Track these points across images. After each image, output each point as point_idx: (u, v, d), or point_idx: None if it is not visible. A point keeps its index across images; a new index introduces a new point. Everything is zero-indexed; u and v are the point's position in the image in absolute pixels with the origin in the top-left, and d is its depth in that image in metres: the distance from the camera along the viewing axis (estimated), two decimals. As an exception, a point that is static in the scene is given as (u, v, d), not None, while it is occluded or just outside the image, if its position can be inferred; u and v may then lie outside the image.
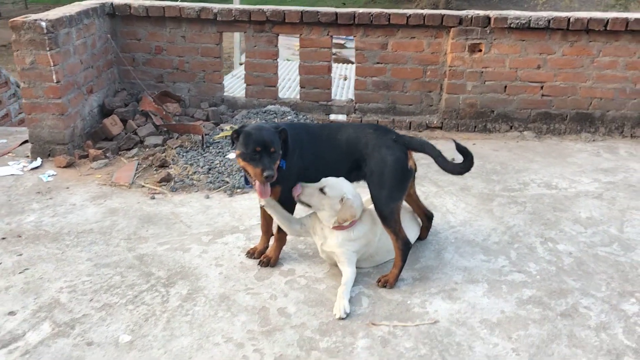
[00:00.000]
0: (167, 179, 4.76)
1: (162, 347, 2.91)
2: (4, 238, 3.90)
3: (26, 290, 3.35)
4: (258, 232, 3.95)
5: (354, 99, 6.28)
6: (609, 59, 5.84)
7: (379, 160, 3.39)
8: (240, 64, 11.55)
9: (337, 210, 3.36)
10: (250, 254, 3.73)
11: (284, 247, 3.71)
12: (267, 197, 3.30)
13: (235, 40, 14.35)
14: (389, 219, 3.39)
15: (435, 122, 6.12)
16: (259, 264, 3.64)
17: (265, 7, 5.92)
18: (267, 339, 2.99)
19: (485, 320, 3.16)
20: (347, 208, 3.34)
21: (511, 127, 6.10)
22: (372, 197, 3.43)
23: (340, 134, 3.51)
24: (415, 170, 3.51)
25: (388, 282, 3.43)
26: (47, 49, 4.85)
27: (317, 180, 3.43)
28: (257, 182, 3.24)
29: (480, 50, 5.88)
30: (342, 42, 16.06)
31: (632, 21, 5.64)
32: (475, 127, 6.11)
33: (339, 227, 3.42)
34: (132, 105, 5.88)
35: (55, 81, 4.95)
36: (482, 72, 5.94)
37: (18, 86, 7.41)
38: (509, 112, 6.05)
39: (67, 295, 3.32)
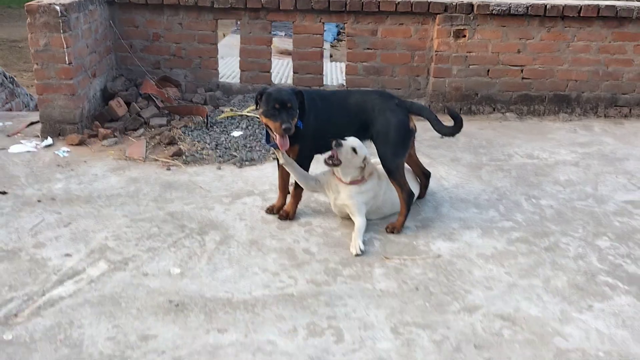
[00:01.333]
0: (178, 153, 5.53)
1: (209, 276, 3.70)
2: (39, 201, 4.63)
3: (74, 239, 4.09)
4: (272, 195, 4.77)
5: (345, 83, 7.14)
6: (583, 44, 6.85)
7: (385, 122, 4.24)
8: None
9: (358, 167, 4.19)
10: (270, 210, 4.53)
11: (299, 205, 4.52)
12: (286, 148, 4.07)
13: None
14: (395, 172, 4.25)
15: (423, 104, 7.02)
16: (278, 217, 4.45)
17: (260, -5, 6.76)
18: (298, 269, 3.81)
19: (481, 254, 4.04)
20: (369, 166, 4.20)
21: (494, 109, 7.04)
22: (379, 154, 4.28)
23: (349, 99, 4.36)
24: (415, 131, 4.38)
25: (395, 228, 4.28)
26: (62, 31, 5.59)
27: (328, 140, 4.26)
28: (277, 136, 4.04)
29: (465, 36, 6.82)
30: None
31: (603, 8, 6.66)
32: (460, 109, 7.03)
33: (353, 182, 4.26)
34: (132, 90, 6.63)
35: (67, 62, 5.69)
36: (467, 56, 6.88)
37: (5, 76, 8.04)
38: (492, 94, 7.00)
39: (114, 242, 4.07)
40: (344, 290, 3.60)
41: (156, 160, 5.48)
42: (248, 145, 5.75)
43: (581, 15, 6.68)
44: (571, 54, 6.89)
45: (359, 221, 4.21)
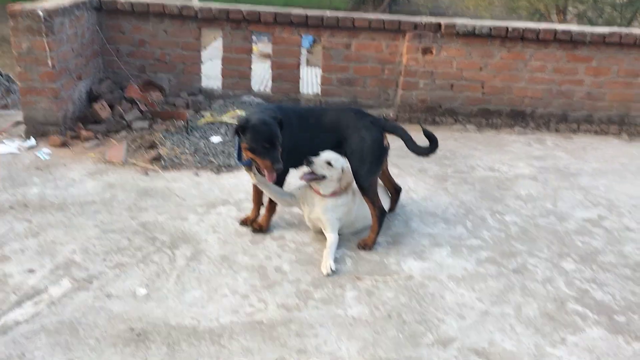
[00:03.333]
0: (157, 158, 4.79)
1: (176, 298, 3.00)
2: (11, 207, 3.86)
3: (41, 252, 3.35)
4: (247, 205, 4.08)
5: (320, 93, 6.44)
6: (539, 63, 6.24)
7: (359, 139, 3.58)
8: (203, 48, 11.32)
9: (337, 179, 3.52)
10: (244, 222, 3.84)
11: (273, 217, 3.83)
12: (274, 180, 3.40)
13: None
14: (368, 190, 3.59)
15: (391, 115, 6.36)
16: (252, 230, 3.75)
17: (242, 7, 6.00)
18: (269, 291, 3.13)
19: (452, 275, 3.41)
20: (347, 175, 3.53)
21: (456, 121, 6.41)
22: (352, 171, 3.62)
23: (324, 117, 3.68)
24: (389, 148, 3.71)
25: (367, 245, 3.62)
26: (44, 35, 4.78)
27: (305, 156, 3.59)
28: (266, 172, 3.34)
29: (432, 53, 6.15)
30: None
31: (560, 32, 6.05)
32: (425, 119, 6.38)
33: (333, 194, 3.58)
34: (117, 93, 5.84)
35: (51, 66, 4.88)
36: (433, 72, 6.22)
37: (1, 74, 7.16)
38: (455, 107, 6.37)
39: (81, 255, 3.34)
40: (315, 317, 2.94)
41: (135, 164, 4.73)
42: (226, 152, 5.03)
43: (539, 38, 6.07)
44: (528, 73, 6.28)
45: (331, 237, 3.55)
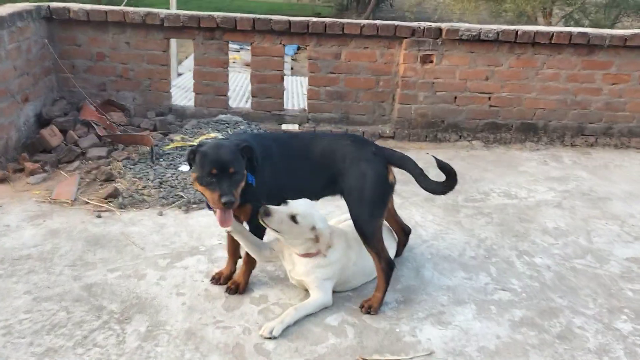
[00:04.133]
0: (114, 195, 4.01)
1: (121, 404, 2.22)
2: None
3: (-53, 336, 2.56)
4: (221, 254, 3.32)
5: (306, 108, 5.70)
6: (552, 71, 5.56)
7: (359, 174, 2.84)
8: (179, 74, 10.47)
9: (307, 239, 2.79)
10: (216, 279, 3.08)
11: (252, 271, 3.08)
12: (229, 225, 2.68)
13: (172, 49, 13.11)
14: (371, 238, 2.85)
15: (387, 131, 5.65)
16: (226, 291, 2.99)
17: (215, 14, 5.26)
18: (247, 385, 2.36)
19: (483, 348, 2.67)
20: (323, 239, 2.79)
21: (460, 137, 5.71)
22: (351, 214, 2.88)
23: (314, 146, 2.94)
24: (395, 184, 2.98)
25: (372, 308, 2.87)
26: (-25, 51, 3.99)
27: (292, 196, 2.84)
28: (217, 210, 2.62)
29: (432, 62, 5.46)
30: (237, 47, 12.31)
31: (575, 35, 5.38)
32: (426, 136, 5.68)
33: (307, 254, 2.85)
34: (73, 115, 5.06)
35: (-16, 87, 4.10)
36: (433, 82, 5.52)
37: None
38: (459, 122, 5.66)
39: (1, 339, 2.55)
40: None
41: (87, 203, 3.94)
42: (197, 184, 4.25)
43: (552, 42, 5.39)
44: (540, 82, 5.60)
45: (316, 299, 2.85)
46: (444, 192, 2.89)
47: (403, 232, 3.35)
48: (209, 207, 2.76)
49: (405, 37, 5.36)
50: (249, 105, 5.98)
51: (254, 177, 2.72)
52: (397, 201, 4.07)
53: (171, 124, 5.42)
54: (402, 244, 3.36)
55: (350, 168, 2.85)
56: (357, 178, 2.84)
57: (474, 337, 2.74)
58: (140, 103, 5.51)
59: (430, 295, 3.07)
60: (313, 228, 2.79)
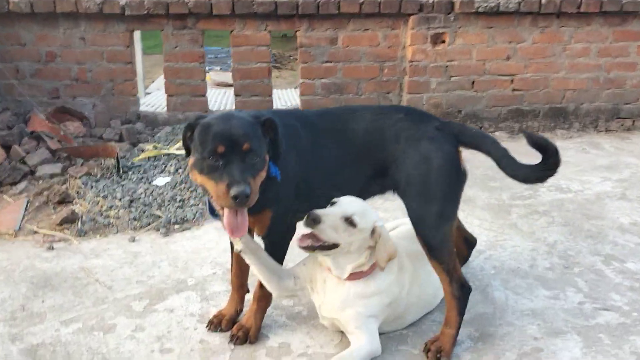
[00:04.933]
0: (70, 219, 3.11)
1: None
2: None
3: None
4: (218, 287, 2.46)
5: (300, 106, 4.88)
6: (581, 46, 4.85)
7: (420, 159, 2.02)
8: (147, 94, 9.16)
9: (365, 248, 1.94)
10: (215, 324, 2.20)
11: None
12: (243, 232, 1.81)
13: (136, 45, 11.30)
14: (440, 249, 2.02)
15: (479, 130, 4.83)
16: (231, 340, 2.12)
17: (187, -3, 4.42)
18: None
19: (617, 401, 1.83)
20: (385, 242, 1.96)
21: (481, 128, 4.93)
22: (411, 217, 2.05)
23: (353, 124, 2.10)
24: (467, 174, 2.15)
25: (443, 352, 2.02)
26: None
27: (322, 198, 2.00)
28: (225, 210, 1.75)
29: (444, 41, 4.70)
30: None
31: (606, 1, 4.67)
32: (442, 130, 4.89)
33: (356, 274, 2.00)
34: (19, 128, 4.14)
35: None
36: (447, 66, 4.75)
37: None
38: (478, 111, 4.90)
39: None
40: None
41: (35, 232, 3.03)
42: (178, 199, 3.38)
43: (581, 10, 4.68)
44: (568, 59, 4.88)
45: (360, 345, 1.98)
46: (542, 179, 2.06)
47: (465, 244, 2.52)
48: (213, 212, 1.90)
49: (412, 14, 4.60)
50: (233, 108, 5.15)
51: (277, 168, 1.87)
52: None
53: (140, 134, 4.54)
54: (462, 259, 2.52)
55: (407, 151, 2.03)
56: (418, 164, 2.01)
57: (597, 383, 1.91)
58: (102, 110, 4.62)
59: (513, 325, 2.24)
60: (374, 231, 1.98)
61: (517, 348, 2.09)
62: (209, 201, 1.91)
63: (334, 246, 1.93)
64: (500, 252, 2.85)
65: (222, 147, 1.71)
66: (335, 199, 2.00)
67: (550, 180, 3.65)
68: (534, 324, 2.24)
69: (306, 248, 1.93)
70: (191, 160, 1.81)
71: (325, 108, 2.37)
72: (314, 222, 1.88)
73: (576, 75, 4.92)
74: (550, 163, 1.99)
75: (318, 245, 1.93)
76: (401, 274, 2.12)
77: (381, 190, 2.13)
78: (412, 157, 2.02)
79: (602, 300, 2.41)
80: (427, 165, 2.00)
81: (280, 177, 1.88)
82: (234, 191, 1.66)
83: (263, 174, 1.79)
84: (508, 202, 3.49)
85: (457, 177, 2.05)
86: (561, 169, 2.12)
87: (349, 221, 1.93)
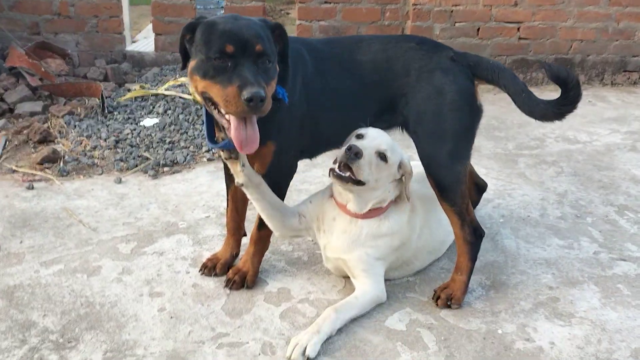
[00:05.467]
0: (52, 159, 2.91)
1: None
2: None
3: None
4: (212, 231, 2.30)
5: (296, 49, 4.63)
6: (592, -7, 4.63)
7: (432, 93, 1.85)
8: (134, 41, 8.69)
9: (389, 182, 1.84)
10: (209, 268, 2.05)
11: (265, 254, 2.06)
12: (254, 147, 1.61)
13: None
14: (453, 190, 1.87)
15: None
16: (226, 285, 1.97)
17: None
18: None
19: (639, 351, 1.72)
20: (409, 177, 1.81)
21: (484, 78, 4.73)
22: (422, 156, 1.90)
23: (361, 54, 1.92)
24: (483, 110, 1.98)
25: (454, 298, 1.89)
26: None
27: (327, 134, 1.84)
28: (233, 120, 1.56)
29: (450, -16, 4.45)
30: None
31: (622, -55, 4.44)
32: (443, 79, 4.69)
33: (372, 212, 1.86)
34: (-4, 64, 3.88)
35: None
36: (452, 11, 4.52)
37: None
38: (482, 59, 4.68)
39: None
40: None
41: (14, 171, 2.83)
42: (167, 140, 3.19)
43: (594, -46, 4.44)
44: (577, 7, 4.66)
45: (365, 290, 1.85)
46: (561, 115, 1.89)
47: (476, 189, 2.37)
48: (211, 139, 1.73)
49: (418, -47, 4.33)
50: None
51: (284, 90, 1.69)
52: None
53: (127, 74, 4.29)
54: (472, 205, 2.36)
55: (419, 84, 1.85)
56: (430, 98, 1.84)
57: (617, 335, 1.79)
58: (86, 48, 4.36)
59: (525, 274, 2.11)
60: (401, 165, 1.86)
61: (532, 297, 1.97)
62: (207, 123, 1.72)
63: (362, 182, 1.77)
64: (509, 200, 2.71)
65: (231, 47, 1.53)
66: (361, 131, 1.83)
67: (557, 131, 3.55)
68: (549, 273, 2.12)
69: (342, 179, 1.76)
70: (192, 63, 1.61)
71: (333, 37, 2.17)
72: (356, 156, 1.72)
73: (585, 25, 4.71)
74: (570, 96, 1.82)
75: (350, 180, 1.76)
76: (413, 216, 1.97)
77: (388, 127, 1.96)
78: (424, 91, 1.84)
79: (618, 251, 2.29)
80: (440, 99, 1.83)
81: (287, 101, 1.69)
82: (247, 93, 1.47)
83: (274, 85, 1.62)
84: (515, 152, 3.35)
85: (473, 113, 1.89)
86: (568, 120, 1.94)
87: (382, 156, 1.78)
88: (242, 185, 1.80)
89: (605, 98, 4.57)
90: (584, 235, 2.40)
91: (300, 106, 1.78)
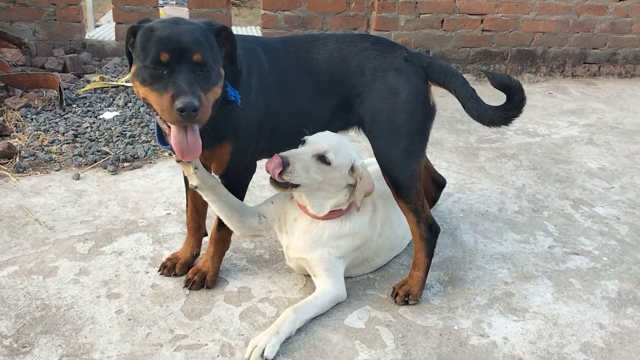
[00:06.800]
0: (8, 154, 2.84)
1: None
2: None
3: None
4: (172, 229, 2.29)
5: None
6: (554, -14, 4.70)
7: (387, 92, 1.87)
8: (97, 26, 8.55)
9: (343, 185, 1.81)
10: (169, 268, 2.03)
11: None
12: (195, 154, 1.61)
13: None
14: (408, 188, 1.89)
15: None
16: (186, 284, 1.96)
17: None
18: None
19: (588, 346, 1.79)
20: (365, 179, 1.83)
21: (448, 70, 4.78)
22: (377, 154, 1.92)
23: (317, 53, 1.92)
24: (436, 110, 2.00)
25: (412, 295, 1.93)
26: None
27: (286, 133, 1.84)
28: (173, 127, 1.56)
29: (414, -25, 4.46)
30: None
31: (582, -61, 4.51)
32: (408, 70, 4.71)
33: (334, 212, 1.87)
34: (-52, 53, 3.75)
35: None
36: (417, 2, 4.54)
37: None
38: (446, 51, 4.73)
39: None
40: None
41: (-33, 167, 2.76)
42: (128, 134, 3.14)
43: (556, -53, 4.50)
44: (539, 0, 4.71)
45: (326, 290, 1.86)
46: (508, 119, 1.93)
47: (434, 185, 2.40)
48: (162, 140, 1.71)
49: (382, -56, 4.33)
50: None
51: (237, 92, 1.68)
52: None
53: (86, 64, 4.20)
54: (430, 201, 2.40)
55: (373, 83, 1.87)
56: (385, 97, 1.86)
57: (568, 329, 1.85)
58: (44, 37, 4.24)
59: (482, 269, 2.16)
60: (353, 169, 1.86)
61: (487, 292, 2.02)
62: (157, 125, 1.70)
63: (293, 186, 1.78)
64: (469, 195, 2.76)
65: (166, 55, 1.51)
66: (305, 137, 1.83)
67: (517, 124, 3.62)
68: (504, 268, 2.17)
69: (280, 185, 1.77)
70: (133, 68, 1.59)
71: (288, 35, 2.16)
72: (284, 164, 1.72)
73: (546, 17, 4.79)
74: (515, 101, 1.86)
75: (288, 185, 1.77)
76: (375, 215, 1.99)
77: (344, 127, 1.98)
78: (378, 90, 1.86)
79: (572, 245, 2.35)
80: (393, 98, 1.85)
81: (241, 102, 1.68)
82: (179, 103, 1.46)
83: (217, 90, 1.60)
84: (476, 145, 3.40)
85: (426, 112, 1.91)
86: (528, 113, 2.01)
87: (322, 159, 1.78)
88: (195, 187, 1.79)
89: (565, 90, 4.67)
90: (540, 229, 2.47)
91: (257, 106, 1.77)
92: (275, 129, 1.85)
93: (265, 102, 1.79)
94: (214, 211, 1.90)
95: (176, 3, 10.48)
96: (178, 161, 1.76)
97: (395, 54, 1.91)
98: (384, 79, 1.86)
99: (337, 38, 1.97)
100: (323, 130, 1.90)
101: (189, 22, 1.62)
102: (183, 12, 6.95)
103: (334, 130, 1.96)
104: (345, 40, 1.95)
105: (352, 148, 1.91)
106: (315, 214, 1.88)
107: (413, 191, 1.90)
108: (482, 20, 4.70)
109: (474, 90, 1.94)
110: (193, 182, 1.79)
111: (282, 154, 1.74)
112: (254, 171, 1.94)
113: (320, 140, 1.82)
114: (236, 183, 1.88)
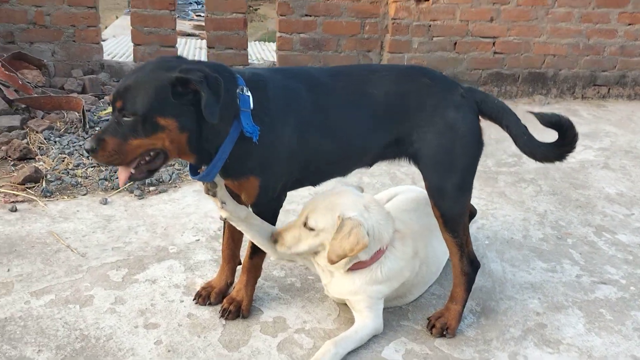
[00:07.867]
0: (34, 178, 2.85)
1: None
2: None
3: None
4: (202, 256, 2.29)
5: (276, 62, 4.63)
6: (564, 10, 4.75)
7: (445, 128, 1.90)
8: (102, 40, 8.41)
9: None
10: (204, 297, 2.04)
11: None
12: (123, 182, 1.70)
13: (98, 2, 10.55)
14: (457, 223, 1.92)
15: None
16: (222, 314, 1.96)
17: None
18: None
19: (626, 380, 1.79)
20: (346, 232, 1.79)
21: (460, 91, 4.81)
22: (431, 187, 1.91)
23: (373, 86, 1.93)
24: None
25: (449, 328, 1.93)
26: None
27: (331, 165, 1.87)
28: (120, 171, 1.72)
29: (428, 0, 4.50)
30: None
31: (593, -36, 4.57)
32: (421, 92, 4.75)
33: (356, 265, 1.88)
34: (-31, 74, 3.76)
35: None
36: (430, 25, 4.57)
37: None
38: (459, 73, 4.77)
39: None
40: None
41: (-6, 191, 2.77)
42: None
43: (567, -28, 4.56)
44: (550, 23, 4.77)
45: (366, 325, 1.89)
46: (561, 157, 1.95)
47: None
48: (192, 170, 1.82)
49: (398, -31, 4.38)
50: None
51: (257, 128, 1.69)
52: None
53: (105, 85, 4.22)
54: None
55: (433, 120, 1.88)
56: (443, 133, 1.88)
57: (604, 362, 1.86)
58: (63, 58, 4.27)
59: (513, 299, 2.17)
60: (339, 218, 1.81)
61: (520, 324, 2.03)
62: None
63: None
64: (492, 221, 2.77)
65: (109, 98, 1.75)
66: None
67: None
68: (535, 298, 2.18)
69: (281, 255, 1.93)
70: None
71: (341, 66, 2.20)
72: (273, 240, 1.87)
73: (557, 40, 4.83)
74: (568, 137, 1.88)
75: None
76: (414, 259, 1.99)
77: (393, 157, 1.99)
78: (437, 126, 1.88)
79: (598, 274, 2.37)
80: (452, 134, 1.87)
81: (263, 140, 1.70)
82: (86, 144, 1.66)
83: (142, 141, 1.62)
84: (495, 169, 3.42)
85: (479, 148, 1.95)
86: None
87: (307, 226, 1.85)
88: (226, 218, 1.82)
89: (576, 112, 4.70)
90: (566, 257, 2.48)
91: (289, 143, 1.78)
92: (311, 162, 1.85)
93: (301, 140, 1.79)
94: (250, 239, 1.91)
95: (178, 17, 10.44)
96: (206, 193, 1.79)
97: (454, 91, 1.93)
98: (445, 116, 1.88)
99: (393, 72, 1.98)
100: (370, 162, 1.94)
101: (149, 69, 1.65)
102: (185, 25, 6.96)
103: (381, 160, 1.98)
104: (403, 74, 1.97)
105: (353, 200, 1.87)
106: (335, 270, 1.90)
107: (461, 226, 1.92)
108: (494, 43, 4.74)
109: (526, 127, 1.96)
110: (222, 214, 1.81)
111: (277, 230, 1.87)
112: (284, 200, 1.95)
113: (306, 206, 1.88)
114: (266, 212, 1.89)
